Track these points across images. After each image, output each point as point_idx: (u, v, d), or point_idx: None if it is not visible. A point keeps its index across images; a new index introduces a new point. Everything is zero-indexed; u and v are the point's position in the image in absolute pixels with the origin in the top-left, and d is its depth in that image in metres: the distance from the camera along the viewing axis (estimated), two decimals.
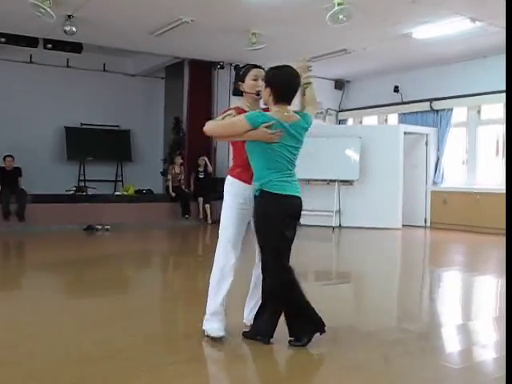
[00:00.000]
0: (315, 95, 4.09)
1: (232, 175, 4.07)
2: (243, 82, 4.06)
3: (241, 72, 4.10)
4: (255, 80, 4.03)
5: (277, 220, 3.81)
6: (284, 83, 3.85)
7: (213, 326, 4.00)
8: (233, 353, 3.83)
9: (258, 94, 4.02)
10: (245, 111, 3.93)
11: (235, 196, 4.01)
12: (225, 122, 3.89)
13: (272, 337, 3.87)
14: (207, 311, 4.06)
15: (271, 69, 3.89)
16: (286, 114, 3.83)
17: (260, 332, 3.93)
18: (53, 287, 6.42)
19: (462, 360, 3.90)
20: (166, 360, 3.61)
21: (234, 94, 4.17)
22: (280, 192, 3.80)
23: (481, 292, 6.64)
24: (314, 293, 5.93)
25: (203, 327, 4.05)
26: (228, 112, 3.95)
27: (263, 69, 4.10)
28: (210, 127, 3.96)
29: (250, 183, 3.96)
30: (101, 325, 4.45)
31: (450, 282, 7.27)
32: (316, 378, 3.47)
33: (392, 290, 6.62)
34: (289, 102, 3.87)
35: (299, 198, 3.90)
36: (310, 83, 4.07)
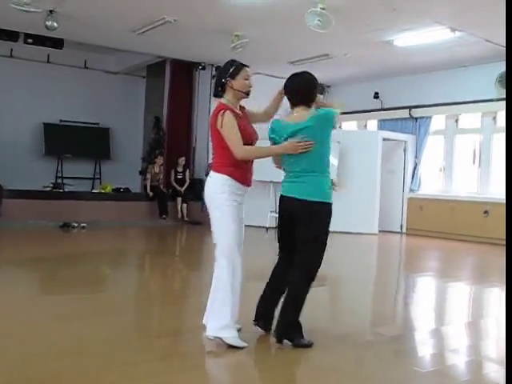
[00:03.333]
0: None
1: (224, 172, 3.99)
2: (233, 79, 4.02)
3: (231, 69, 4.03)
4: (247, 79, 4.06)
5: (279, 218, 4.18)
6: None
7: (234, 333, 3.87)
8: (203, 352, 3.83)
9: (247, 93, 4.08)
10: (229, 108, 3.97)
11: (231, 194, 3.99)
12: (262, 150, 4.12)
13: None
14: (224, 320, 3.84)
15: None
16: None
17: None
18: (27, 283, 6.37)
19: (431, 364, 3.95)
20: (138, 358, 3.60)
21: (215, 96, 4.17)
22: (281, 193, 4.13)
23: (454, 298, 6.71)
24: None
25: (219, 335, 3.85)
26: (227, 116, 3.93)
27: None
28: (249, 154, 4.01)
29: (245, 184, 4.04)
30: (73, 322, 4.43)
31: (424, 287, 7.35)
32: (286, 379, 3.48)
33: (366, 294, 6.66)
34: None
35: (290, 198, 4.02)
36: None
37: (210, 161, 4.38)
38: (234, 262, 3.91)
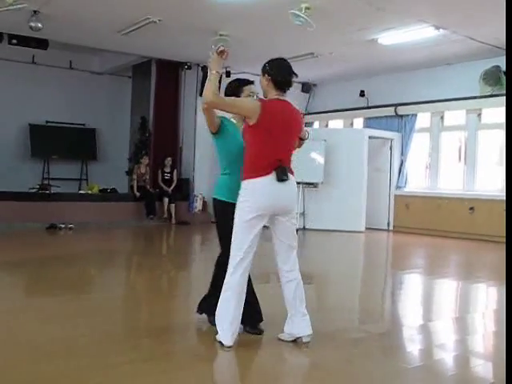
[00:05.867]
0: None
1: None
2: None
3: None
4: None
5: None
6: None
7: None
8: (190, 352, 3.83)
9: None
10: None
11: None
12: None
13: None
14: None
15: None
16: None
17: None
18: (12, 286, 6.32)
19: (419, 359, 3.98)
20: (124, 359, 3.60)
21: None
22: None
23: (441, 294, 6.76)
24: (277, 293, 5.98)
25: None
26: None
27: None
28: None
29: None
30: (59, 323, 4.41)
31: (412, 284, 7.39)
32: (272, 377, 3.50)
33: (354, 292, 6.69)
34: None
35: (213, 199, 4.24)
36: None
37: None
38: None
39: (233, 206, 3.93)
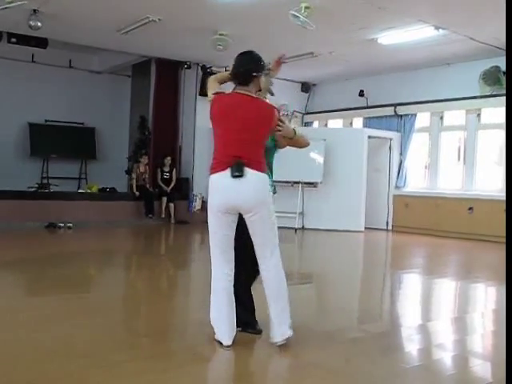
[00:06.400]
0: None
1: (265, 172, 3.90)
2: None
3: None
4: None
5: None
6: None
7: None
8: (189, 351, 3.83)
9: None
10: None
11: None
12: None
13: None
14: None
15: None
16: None
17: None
18: (12, 285, 6.30)
19: (417, 359, 3.98)
20: (124, 357, 3.60)
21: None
22: None
23: (440, 294, 6.76)
24: None
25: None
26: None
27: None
28: None
29: None
30: (60, 322, 4.41)
31: (411, 284, 7.39)
32: (271, 376, 3.50)
33: (353, 292, 6.68)
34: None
35: None
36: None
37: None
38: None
39: None
